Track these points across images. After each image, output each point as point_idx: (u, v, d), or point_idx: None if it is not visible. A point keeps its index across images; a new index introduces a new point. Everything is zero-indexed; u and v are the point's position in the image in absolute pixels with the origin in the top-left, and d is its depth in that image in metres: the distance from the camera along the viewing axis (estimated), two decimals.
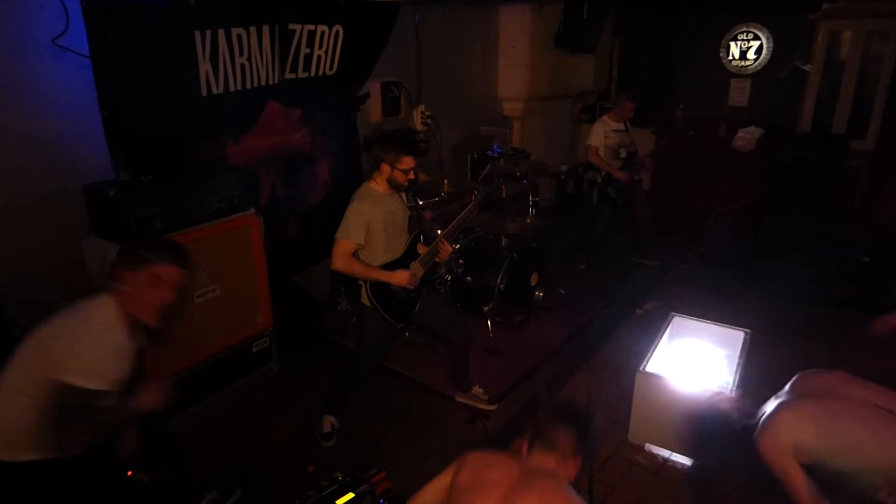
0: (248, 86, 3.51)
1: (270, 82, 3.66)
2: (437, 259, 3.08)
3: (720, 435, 2.50)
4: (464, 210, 3.21)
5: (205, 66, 3.22)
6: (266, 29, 3.48)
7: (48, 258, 3.02)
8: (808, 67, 6.38)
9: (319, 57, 3.97)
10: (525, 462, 1.74)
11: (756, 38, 6.75)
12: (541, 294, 4.45)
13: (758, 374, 3.09)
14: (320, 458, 2.95)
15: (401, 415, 3.43)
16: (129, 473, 2.49)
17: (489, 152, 5.74)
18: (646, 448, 3.09)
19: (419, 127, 5.12)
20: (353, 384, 3.23)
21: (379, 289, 2.92)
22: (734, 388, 2.92)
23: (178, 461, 2.52)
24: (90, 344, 1.79)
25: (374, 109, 4.81)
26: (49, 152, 3.00)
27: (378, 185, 2.91)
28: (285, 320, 3.80)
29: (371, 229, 2.83)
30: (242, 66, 3.43)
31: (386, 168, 2.84)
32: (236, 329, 3.46)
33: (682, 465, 2.99)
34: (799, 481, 1.95)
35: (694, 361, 3.32)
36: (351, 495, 2.38)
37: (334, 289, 4.65)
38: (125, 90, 2.87)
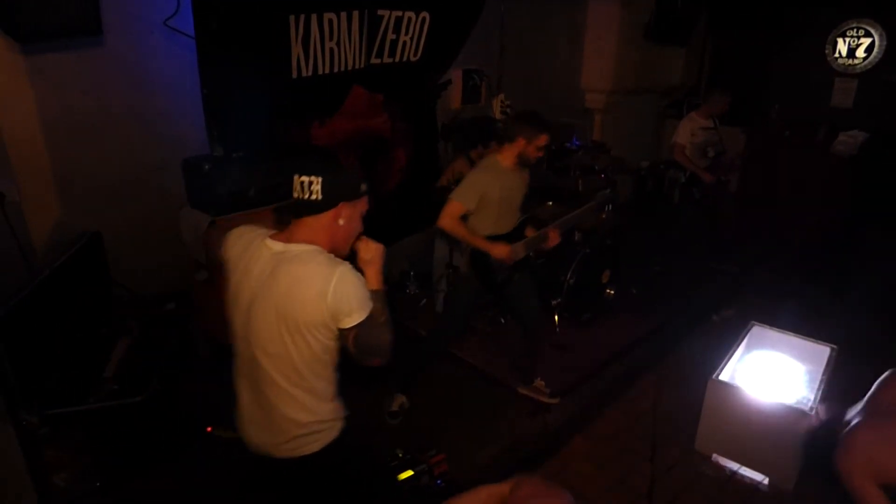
0: (336, 70, 3.62)
1: (356, 67, 3.75)
2: (544, 245, 3.10)
3: (798, 453, 2.38)
4: (582, 207, 3.19)
5: (297, 50, 3.34)
6: (356, 14, 3.57)
7: (149, 227, 3.28)
8: None
9: (405, 43, 4.02)
10: None
11: (868, 34, 6.22)
12: (612, 292, 4.36)
13: (841, 394, 2.90)
14: (381, 435, 3.05)
15: (461, 402, 3.47)
16: (209, 429, 2.69)
17: (568, 144, 5.64)
18: (713, 458, 2.98)
19: (498, 115, 5.10)
20: (428, 355, 3.31)
21: (479, 258, 2.99)
22: (815, 406, 2.75)
23: None
24: (350, 281, 1.61)
25: (454, 97, 4.84)
26: (155, 127, 3.25)
27: (504, 160, 2.97)
28: None
29: (484, 199, 2.90)
30: (332, 50, 3.54)
31: (521, 142, 2.89)
32: None
33: (751, 479, 2.87)
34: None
35: (771, 374, 3.15)
36: (410, 472, 2.46)
37: (404, 272, 4.75)
38: (224, 71, 3.02)
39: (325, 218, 1.65)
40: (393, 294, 4.59)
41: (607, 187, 3.59)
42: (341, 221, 1.67)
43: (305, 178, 1.63)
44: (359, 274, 1.64)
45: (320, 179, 1.62)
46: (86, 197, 3.09)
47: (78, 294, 2.72)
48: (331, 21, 3.45)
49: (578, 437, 3.17)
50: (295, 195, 1.66)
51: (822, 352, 3.19)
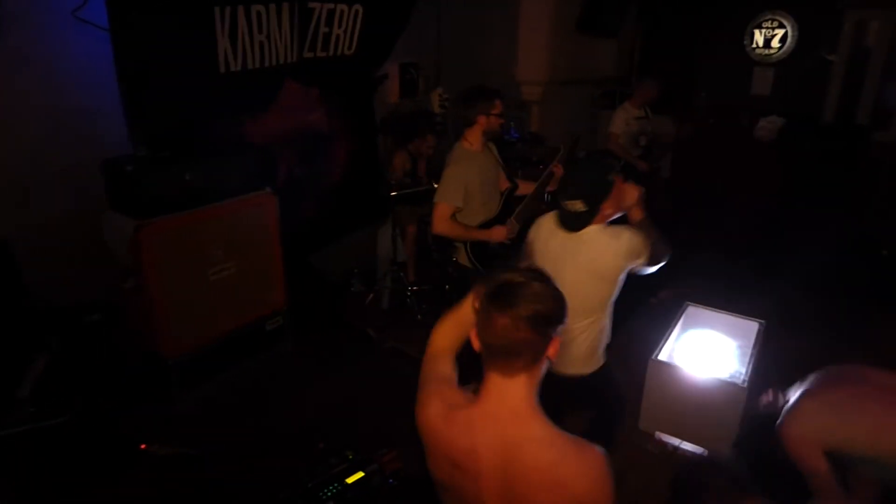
0: (267, 64, 3.50)
1: (289, 61, 3.65)
2: (548, 190, 3.09)
3: (734, 426, 2.49)
4: (556, 157, 3.18)
5: (223, 43, 3.21)
6: (286, 6, 3.46)
7: (67, 233, 3.06)
8: (832, 57, 6.24)
9: (338, 36, 3.94)
10: None
11: (781, 26, 6.60)
12: None
13: (771, 366, 3.06)
14: (331, 436, 2.98)
15: (409, 395, 3.44)
16: (143, 447, 2.55)
17: (506, 136, 5.69)
18: (656, 436, 3.09)
19: (436, 109, 5.09)
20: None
21: (478, 248, 2.98)
22: (745, 380, 2.90)
23: (192, 436, 2.56)
24: (627, 236, 2.11)
25: (391, 90, 4.78)
26: (69, 125, 3.03)
27: (471, 144, 2.95)
28: (300, 300, 3.83)
29: (468, 190, 2.88)
30: (261, 43, 3.42)
31: (482, 119, 2.88)
32: (250, 307, 3.49)
33: (693, 453, 2.99)
34: (822, 471, 1.92)
35: (707, 351, 3.29)
36: (361, 474, 2.40)
37: (348, 270, 4.67)
38: (143, 65, 2.87)
39: (598, 220, 2.11)
40: (338, 293, 4.51)
41: (579, 136, 3.58)
42: (609, 212, 2.12)
43: (568, 202, 2.08)
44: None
45: (581, 200, 2.06)
46: None
47: None
48: (259, 13, 3.33)
49: None
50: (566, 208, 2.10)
51: (752, 327, 3.36)
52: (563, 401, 2.21)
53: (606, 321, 2.26)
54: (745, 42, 6.81)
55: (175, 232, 2.97)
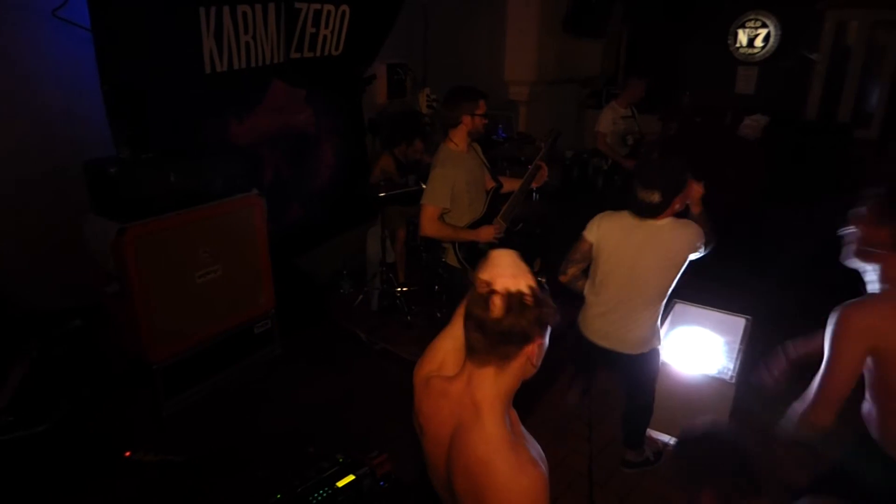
0: (253, 64, 3.47)
1: (276, 61, 3.62)
2: (534, 185, 3.13)
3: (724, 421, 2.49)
4: (538, 155, 3.18)
5: (209, 44, 3.18)
6: (272, 7, 3.43)
7: (48, 237, 3.01)
8: (814, 56, 6.33)
9: (325, 37, 3.92)
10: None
11: (764, 25, 6.68)
12: (543, 280, 4.43)
13: (758, 361, 3.08)
14: (321, 440, 2.96)
15: (401, 399, 3.42)
16: (128, 454, 2.50)
17: (494, 136, 5.69)
18: (647, 433, 3.09)
19: (424, 109, 5.07)
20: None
21: (467, 248, 2.97)
22: (733, 375, 2.92)
23: (180, 442, 2.53)
24: (694, 228, 2.42)
25: (379, 91, 4.77)
26: (50, 127, 2.98)
27: (456, 145, 2.95)
28: (288, 303, 3.80)
29: (455, 191, 2.88)
30: (247, 44, 3.39)
31: (468, 119, 2.89)
32: (238, 310, 3.45)
33: None
34: (851, 361, 1.61)
35: (695, 348, 3.32)
36: (352, 477, 2.38)
37: (337, 271, 4.64)
38: (127, 66, 2.83)
39: (668, 212, 2.38)
40: (327, 295, 4.48)
41: (559, 132, 3.55)
42: (678, 206, 2.40)
43: (645, 192, 2.33)
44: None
45: (658, 192, 2.32)
46: None
47: None
48: (245, 13, 3.30)
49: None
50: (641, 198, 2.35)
51: (739, 323, 3.39)
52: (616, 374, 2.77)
53: (661, 309, 2.55)
54: (728, 41, 6.88)
55: (159, 235, 2.92)
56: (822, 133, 6.08)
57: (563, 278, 2.67)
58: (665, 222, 2.39)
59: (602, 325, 2.57)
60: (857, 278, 1.83)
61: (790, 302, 4.30)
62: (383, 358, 3.69)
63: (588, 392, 3.26)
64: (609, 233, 2.50)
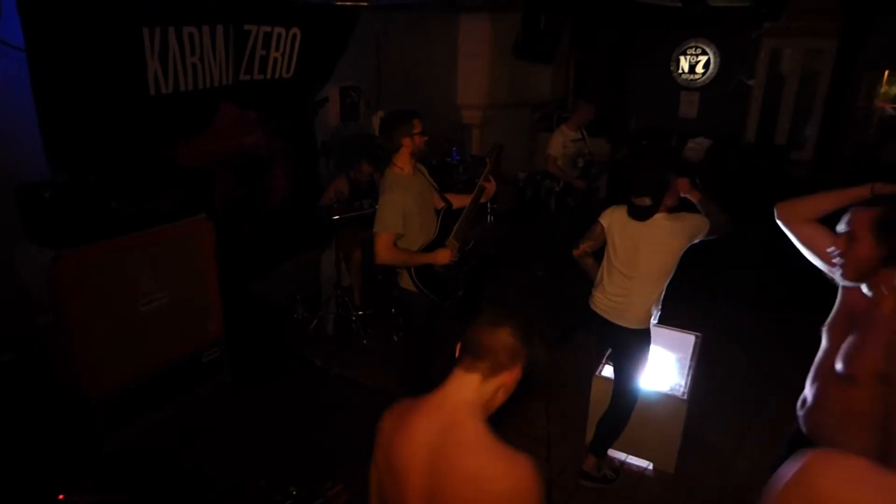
0: (200, 86, 3.40)
1: (224, 83, 3.56)
2: (484, 200, 3.18)
3: (677, 437, 2.52)
4: (484, 172, 3.18)
5: (153, 65, 3.10)
6: (220, 29, 3.39)
7: None
8: (751, 82, 6.67)
9: (276, 59, 3.89)
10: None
11: (704, 52, 7.02)
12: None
13: (706, 377, 3.16)
14: (274, 470, 2.85)
15: (357, 423, 3.34)
16: (61, 497, 2.35)
17: (448, 159, 5.74)
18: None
19: (377, 133, 5.07)
20: (414, 369, 3.19)
21: (423, 271, 2.93)
22: (685, 392, 2.98)
23: (120, 481, 2.39)
24: (687, 220, 2.70)
25: (332, 114, 4.75)
26: None
27: (401, 169, 2.92)
28: (239, 329, 3.68)
29: (406, 215, 2.84)
30: (194, 65, 3.32)
31: (407, 141, 2.89)
32: (185, 339, 3.32)
33: (638, 466, 3.03)
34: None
35: (648, 365, 3.37)
36: None
37: (292, 295, 4.54)
38: (64, 87, 2.73)
39: (661, 210, 2.67)
40: (280, 320, 4.37)
41: (502, 146, 3.59)
42: (669, 202, 2.68)
43: (638, 199, 2.64)
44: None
45: (648, 196, 2.62)
46: None
47: None
48: (192, 35, 3.25)
49: None
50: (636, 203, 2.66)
51: (689, 340, 3.47)
52: (609, 344, 3.00)
53: (662, 291, 2.78)
54: (671, 68, 7.19)
55: (98, 262, 2.80)
56: (761, 155, 6.40)
57: (575, 252, 2.98)
58: (658, 217, 2.67)
59: (608, 301, 2.84)
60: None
61: (736, 318, 4.46)
62: (339, 383, 3.61)
63: (546, 410, 3.27)
64: (617, 222, 2.81)
